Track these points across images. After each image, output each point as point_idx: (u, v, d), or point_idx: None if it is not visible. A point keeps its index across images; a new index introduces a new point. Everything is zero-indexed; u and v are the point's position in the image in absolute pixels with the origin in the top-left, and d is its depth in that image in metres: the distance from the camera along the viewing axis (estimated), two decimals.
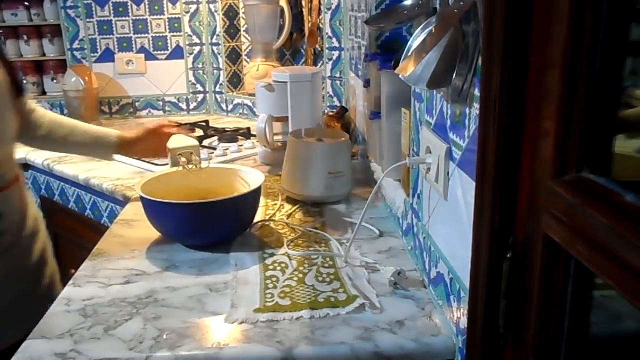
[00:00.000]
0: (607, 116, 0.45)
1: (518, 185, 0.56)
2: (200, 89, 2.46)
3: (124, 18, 2.36)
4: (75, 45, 2.35)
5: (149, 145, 1.40)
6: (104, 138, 1.38)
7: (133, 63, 2.40)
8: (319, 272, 1.01)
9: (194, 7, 2.37)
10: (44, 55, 2.38)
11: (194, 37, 2.40)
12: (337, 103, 2.07)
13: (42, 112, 1.35)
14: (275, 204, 1.36)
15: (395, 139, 1.20)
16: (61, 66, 2.38)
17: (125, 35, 2.38)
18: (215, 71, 2.42)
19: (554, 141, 0.49)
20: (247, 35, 2.37)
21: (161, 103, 2.46)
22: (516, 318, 0.58)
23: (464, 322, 0.74)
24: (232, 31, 2.38)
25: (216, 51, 2.39)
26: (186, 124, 2.07)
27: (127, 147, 1.40)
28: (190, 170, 1.24)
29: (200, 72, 2.44)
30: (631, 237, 0.38)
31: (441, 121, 0.84)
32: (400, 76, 0.76)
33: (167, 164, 1.33)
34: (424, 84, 0.73)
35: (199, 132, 2.04)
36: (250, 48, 2.36)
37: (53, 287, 1.30)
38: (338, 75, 2.05)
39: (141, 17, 2.37)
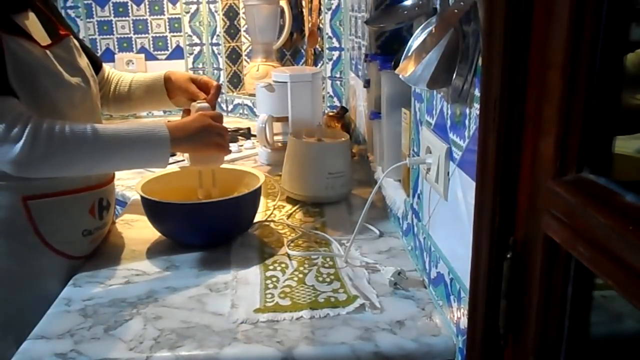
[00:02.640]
0: (607, 116, 0.45)
1: (518, 185, 0.56)
2: None
3: (124, 18, 2.36)
4: None
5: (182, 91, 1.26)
6: (157, 82, 1.27)
7: (133, 63, 2.40)
8: (319, 272, 1.01)
9: (194, 7, 2.37)
10: None
11: (194, 37, 2.40)
12: (337, 103, 2.07)
13: (109, 74, 1.31)
14: (275, 204, 1.36)
15: (395, 139, 1.20)
16: None
17: (125, 35, 2.38)
18: (215, 71, 2.42)
19: (554, 141, 0.49)
20: (247, 35, 2.37)
21: None
22: (516, 318, 0.58)
23: (464, 322, 0.74)
24: (232, 31, 2.38)
25: (216, 51, 2.39)
26: None
27: (172, 81, 1.26)
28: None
29: (200, 72, 2.44)
30: (631, 237, 0.38)
31: (441, 121, 0.84)
32: (400, 76, 0.76)
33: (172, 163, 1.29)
34: (424, 84, 0.73)
35: None
36: (250, 48, 2.36)
37: None
38: (338, 75, 2.05)
39: (141, 17, 2.37)
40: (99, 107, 1.15)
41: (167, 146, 1.03)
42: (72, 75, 1.04)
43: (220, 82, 2.41)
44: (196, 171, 1.22)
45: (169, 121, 1.07)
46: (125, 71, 2.36)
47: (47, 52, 1.01)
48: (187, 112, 1.22)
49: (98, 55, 2.36)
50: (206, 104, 1.15)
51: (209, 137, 1.08)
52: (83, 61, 1.11)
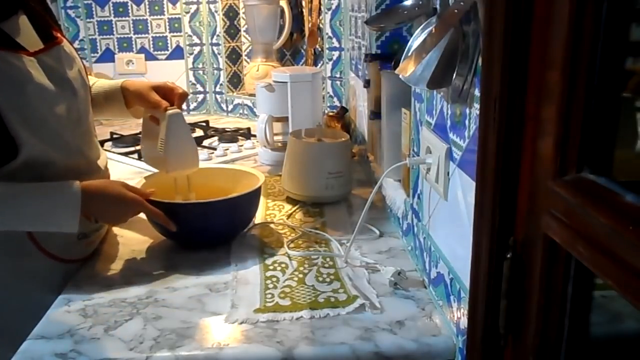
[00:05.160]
0: (607, 116, 0.45)
1: (518, 185, 0.56)
2: (200, 89, 2.46)
3: (124, 18, 2.36)
4: (75, 45, 2.34)
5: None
6: (114, 89, 1.22)
7: (133, 63, 2.40)
8: (319, 272, 1.01)
9: (194, 7, 2.37)
10: None
11: (194, 37, 2.40)
12: (337, 103, 2.07)
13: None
14: (275, 204, 1.36)
15: (395, 139, 1.20)
16: None
17: (125, 35, 2.38)
18: (215, 71, 2.42)
19: (554, 141, 0.49)
20: (247, 35, 2.37)
21: None
22: (516, 318, 0.58)
23: (464, 322, 0.74)
24: (232, 31, 2.38)
25: (216, 51, 2.39)
26: None
27: (130, 91, 1.20)
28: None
29: (200, 72, 2.44)
30: (631, 237, 0.38)
31: (441, 121, 0.84)
32: (400, 76, 0.76)
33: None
34: (424, 84, 0.73)
35: (199, 132, 2.04)
36: (250, 48, 2.36)
37: None
38: (338, 75, 2.05)
39: (141, 17, 2.37)
40: (87, 118, 1.11)
41: (77, 204, 0.96)
42: (58, 86, 1.01)
43: (221, 82, 2.41)
44: (170, 177, 1.19)
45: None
46: (126, 71, 2.38)
47: (34, 60, 0.97)
48: (153, 119, 1.17)
49: (97, 55, 2.38)
50: (177, 110, 1.13)
51: (125, 213, 1.06)
52: (74, 70, 1.07)
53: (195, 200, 1.17)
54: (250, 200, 1.16)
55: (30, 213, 0.96)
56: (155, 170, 1.24)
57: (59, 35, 1.07)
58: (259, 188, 1.16)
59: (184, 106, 2.40)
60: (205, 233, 1.11)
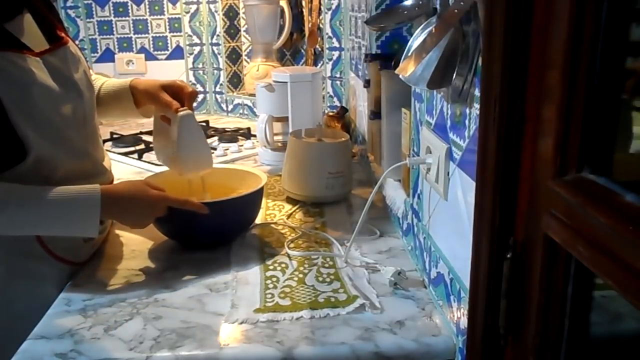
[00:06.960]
0: (607, 116, 0.45)
1: (518, 185, 0.56)
2: (200, 89, 2.46)
3: (124, 18, 2.36)
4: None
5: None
6: (123, 89, 1.21)
7: (133, 63, 2.40)
8: (319, 272, 1.01)
9: (194, 7, 2.37)
10: None
11: (194, 37, 2.40)
12: (337, 103, 2.07)
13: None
14: (275, 204, 1.36)
15: (395, 139, 1.20)
16: None
17: (125, 35, 2.38)
18: (215, 71, 2.42)
19: (554, 141, 0.49)
20: (247, 35, 2.37)
21: None
22: (516, 318, 0.58)
23: (464, 322, 0.74)
24: (232, 31, 2.38)
25: (216, 51, 2.39)
26: None
27: (139, 90, 1.20)
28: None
29: (200, 72, 2.44)
30: (631, 237, 0.38)
31: (441, 121, 0.84)
32: (400, 76, 0.76)
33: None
34: (424, 84, 0.73)
35: None
36: (250, 48, 2.36)
37: None
38: (338, 75, 2.05)
39: (141, 17, 2.37)
40: (93, 119, 1.11)
41: (96, 211, 0.96)
42: (63, 86, 1.00)
43: (221, 82, 2.41)
44: (179, 177, 1.19)
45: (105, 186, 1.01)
46: (126, 71, 2.38)
47: (40, 61, 0.97)
48: (165, 119, 1.16)
49: (97, 55, 2.38)
50: (189, 112, 1.12)
51: (150, 213, 1.03)
52: (79, 72, 1.06)
53: (201, 201, 1.17)
54: (252, 200, 1.16)
55: (50, 219, 0.95)
56: (164, 169, 1.24)
57: (64, 35, 1.06)
58: (261, 189, 1.15)
59: None
60: (207, 233, 1.11)
